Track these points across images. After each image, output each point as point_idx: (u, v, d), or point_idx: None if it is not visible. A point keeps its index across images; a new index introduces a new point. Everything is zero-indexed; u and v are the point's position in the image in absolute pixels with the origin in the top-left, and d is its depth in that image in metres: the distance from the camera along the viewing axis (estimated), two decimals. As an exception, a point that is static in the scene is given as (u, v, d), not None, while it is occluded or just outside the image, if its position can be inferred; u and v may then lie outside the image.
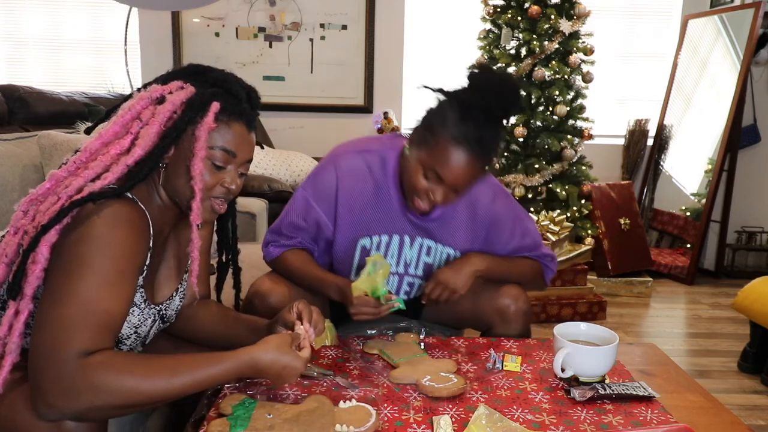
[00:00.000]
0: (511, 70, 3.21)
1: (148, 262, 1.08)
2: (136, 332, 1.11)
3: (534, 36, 3.16)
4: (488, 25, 3.35)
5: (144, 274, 1.08)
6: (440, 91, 1.30)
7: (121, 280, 0.97)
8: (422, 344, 1.37)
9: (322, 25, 4.03)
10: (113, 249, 0.96)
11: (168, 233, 1.17)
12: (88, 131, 1.24)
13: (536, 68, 3.18)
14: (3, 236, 1.07)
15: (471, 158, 1.26)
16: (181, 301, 1.23)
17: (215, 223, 1.33)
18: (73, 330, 0.91)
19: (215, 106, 1.05)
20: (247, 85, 1.14)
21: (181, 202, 1.10)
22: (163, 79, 1.11)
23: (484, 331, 1.55)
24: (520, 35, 3.21)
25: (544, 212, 3.11)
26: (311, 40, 4.04)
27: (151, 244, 1.07)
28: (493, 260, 1.48)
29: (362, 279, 1.30)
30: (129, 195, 1.03)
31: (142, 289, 1.09)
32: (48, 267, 0.96)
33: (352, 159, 1.45)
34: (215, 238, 1.36)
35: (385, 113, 3.98)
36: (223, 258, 1.35)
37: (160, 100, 1.06)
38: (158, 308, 1.16)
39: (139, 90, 1.10)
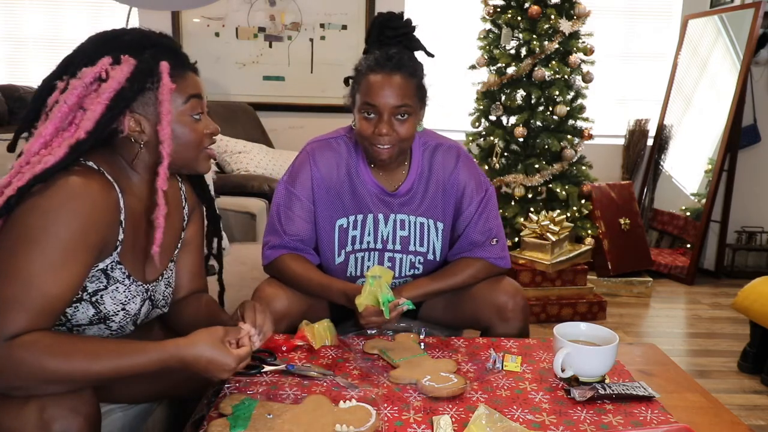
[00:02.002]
0: (511, 70, 3.21)
1: (121, 237, 1.05)
2: (124, 309, 1.09)
3: (534, 36, 3.15)
4: (488, 25, 3.35)
5: (119, 250, 1.05)
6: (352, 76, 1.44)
7: (66, 260, 0.94)
8: (422, 344, 1.37)
9: (322, 25, 4.02)
10: (62, 225, 0.93)
11: (148, 211, 1.14)
12: (10, 148, 1.09)
13: (536, 68, 3.17)
14: None
15: (389, 74, 1.36)
16: (166, 288, 1.21)
17: (204, 215, 1.33)
18: (8, 313, 0.89)
19: (165, 66, 1.02)
20: (161, 33, 1.10)
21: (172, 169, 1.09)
22: (84, 62, 1.03)
23: (483, 330, 1.55)
24: (520, 35, 3.20)
25: (544, 212, 3.10)
26: (311, 40, 4.03)
27: (122, 218, 1.04)
28: (427, 284, 1.50)
29: (365, 295, 1.30)
30: (94, 166, 1.00)
31: (121, 266, 1.07)
32: None
33: (323, 147, 1.54)
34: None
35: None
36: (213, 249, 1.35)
37: (99, 80, 1.01)
38: (146, 287, 1.14)
39: (54, 82, 1.04)
